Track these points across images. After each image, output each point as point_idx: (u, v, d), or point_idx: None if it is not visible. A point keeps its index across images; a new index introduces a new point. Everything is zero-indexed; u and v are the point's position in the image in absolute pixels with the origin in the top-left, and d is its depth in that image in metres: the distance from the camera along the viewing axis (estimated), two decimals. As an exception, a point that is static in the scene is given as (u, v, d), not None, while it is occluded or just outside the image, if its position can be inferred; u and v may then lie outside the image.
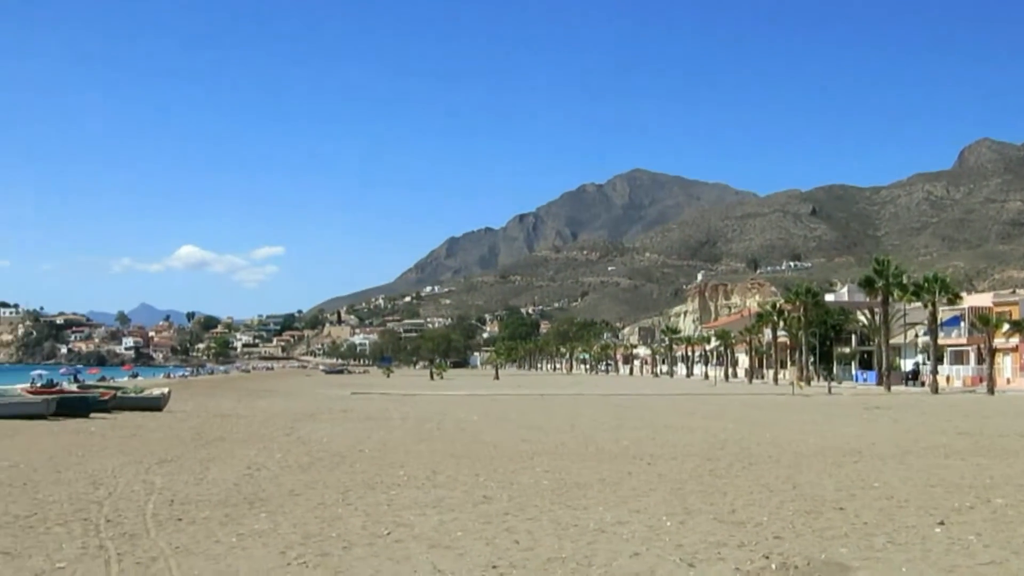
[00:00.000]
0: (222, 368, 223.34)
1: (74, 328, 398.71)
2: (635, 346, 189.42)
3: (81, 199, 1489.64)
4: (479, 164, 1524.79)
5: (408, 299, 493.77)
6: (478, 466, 21.55)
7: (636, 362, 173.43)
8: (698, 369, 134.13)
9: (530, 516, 14.64)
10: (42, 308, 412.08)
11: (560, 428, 34.15)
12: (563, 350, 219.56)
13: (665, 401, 57.42)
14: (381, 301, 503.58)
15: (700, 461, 22.69)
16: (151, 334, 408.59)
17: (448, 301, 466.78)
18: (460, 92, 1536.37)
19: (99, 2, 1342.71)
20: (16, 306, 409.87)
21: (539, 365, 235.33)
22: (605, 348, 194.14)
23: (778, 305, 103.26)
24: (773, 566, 11.17)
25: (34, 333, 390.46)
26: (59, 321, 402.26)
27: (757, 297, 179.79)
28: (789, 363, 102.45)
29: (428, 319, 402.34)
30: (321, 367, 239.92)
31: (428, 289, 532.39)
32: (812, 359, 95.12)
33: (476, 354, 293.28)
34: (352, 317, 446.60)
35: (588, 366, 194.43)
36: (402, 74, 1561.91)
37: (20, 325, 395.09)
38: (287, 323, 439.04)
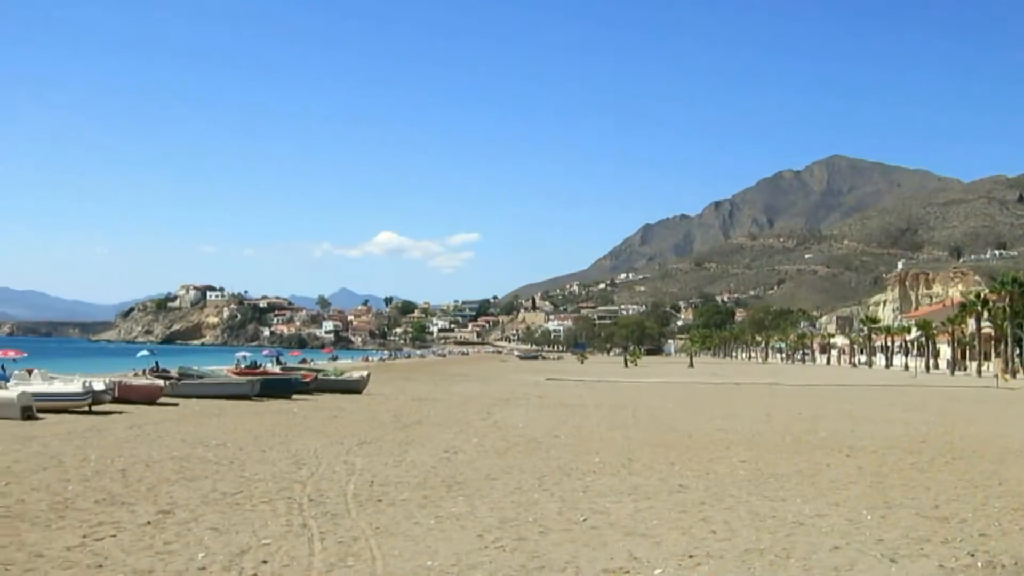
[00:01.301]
0: (418, 352, 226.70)
1: (276, 311, 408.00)
2: (832, 335, 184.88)
3: (282, 186, 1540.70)
4: (674, 151, 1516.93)
5: (602, 286, 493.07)
6: (673, 454, 21.42)
7: (833, 352, 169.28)
8: (897, 360, 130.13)
9: (727, 506, 14.50)
10: (246, 292, 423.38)
11: (756, 418, 33.63)
12: (758, 339, 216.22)
13: (863, 392, 55.94)
14: (575, 288, 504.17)
15: (901, 454, 22.07)
16: (350, 318, 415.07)
17: (642, 288, 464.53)
18: (656, 77, 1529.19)
19: None
20: (222, 289, 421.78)
21: (734, 354, 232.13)
22: (801, 337, 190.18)
23: (983, 295, 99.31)
24: (979, 564, 10.81)
25: (239, 316, 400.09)
26: (262, 304, 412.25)
27: (960, 286, 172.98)
28: (993, 355, 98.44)
29: (622, 306, 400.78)
30: (516, 352, 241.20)
31: (622, 276, 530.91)
32: (1018, 351, 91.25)
33: (670, 341, 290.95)
34: (547, 303, 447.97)
35: (784, 355, 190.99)
36: (597, 60, 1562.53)
37: (225, 308, 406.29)
38: (482, 309, 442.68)
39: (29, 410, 27.99)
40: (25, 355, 50.94)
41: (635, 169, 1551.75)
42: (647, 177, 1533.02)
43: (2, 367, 43.74)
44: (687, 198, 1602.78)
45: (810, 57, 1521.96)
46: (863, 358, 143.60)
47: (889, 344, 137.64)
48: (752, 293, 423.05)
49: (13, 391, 29.06)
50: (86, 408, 31.20)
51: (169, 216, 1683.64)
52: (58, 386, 32.70)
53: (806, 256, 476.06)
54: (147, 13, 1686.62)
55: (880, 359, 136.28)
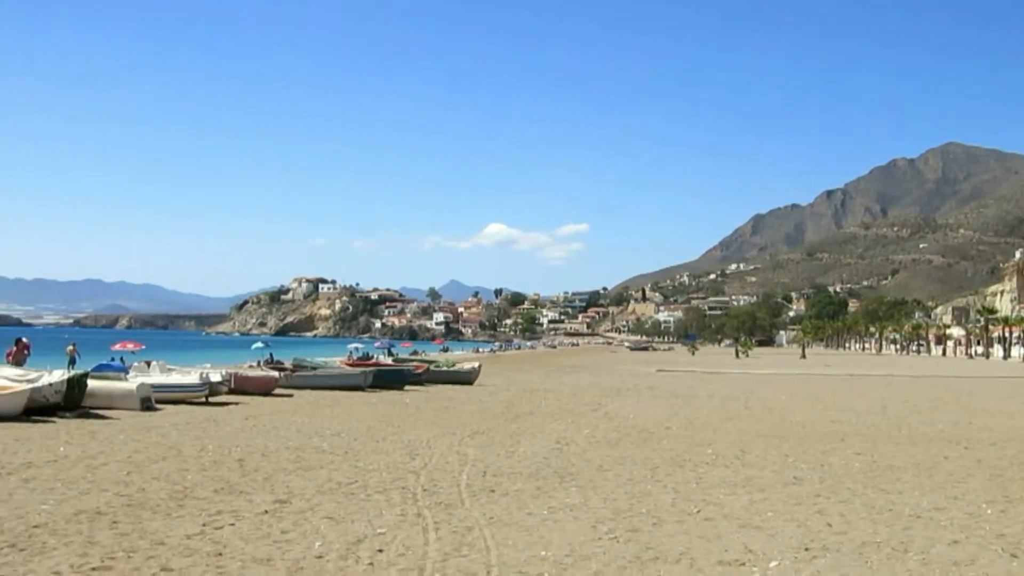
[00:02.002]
0: (528, 343, 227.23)
1: (387, 303, 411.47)
2: (948, 326, 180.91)
3: (392, 178, 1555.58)
4: (786, 140, 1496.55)
5: (713, 276, 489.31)
6: (787, 446, 21.19)
7: (949, 343, 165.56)
8: (1016, 351, 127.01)
9: (842, 499, 14.31)
10: (357, 284, 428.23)
11: (871, 409, 33.10)
12: (872, 330, 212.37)
13: (981, 384, 54.69)
14: (685, 279, 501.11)
15: (1021, 447, 21.56)
16: (460, 310, 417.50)
17: (753, 279, 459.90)
18: (768, 68, 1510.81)
19: None
20: (334, 281, 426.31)
21: (847, 345, 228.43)
22: (916, 328, 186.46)
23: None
24: (1105, 561, 10.52)
25: (350, 308, 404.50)
26: (373, 296, 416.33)
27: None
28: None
29: (733, 297, 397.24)
30: (626, 344, 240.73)
31: (733, 267, 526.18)
32: None
33: (782, 332, 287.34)
34: (657, 294, 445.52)
35: (898, 346, 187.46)
36: (711, 52, 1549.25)
37: (337, 300, 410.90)
38: (592, 300, 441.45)
39: (148, 401, 28.61)
40: (143, 347, 52.38)
41: (746, 159, 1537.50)
42: (758, 167, 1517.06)
43: (121, 359, 45.02)
44: (799, 188, 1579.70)
45: (923, 45, 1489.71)
46: (980, 349, 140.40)
47: (1007, 335, 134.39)
48: (865, 283, 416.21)
49: (133, 382, 29.72)
50: (203, 399, 31.90)
51: (281, 209, 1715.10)
52: (176, 377, 33.48)
53: (921, 245, 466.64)
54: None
55: (997, 350, 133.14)
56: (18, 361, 39.01)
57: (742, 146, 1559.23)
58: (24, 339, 42.71)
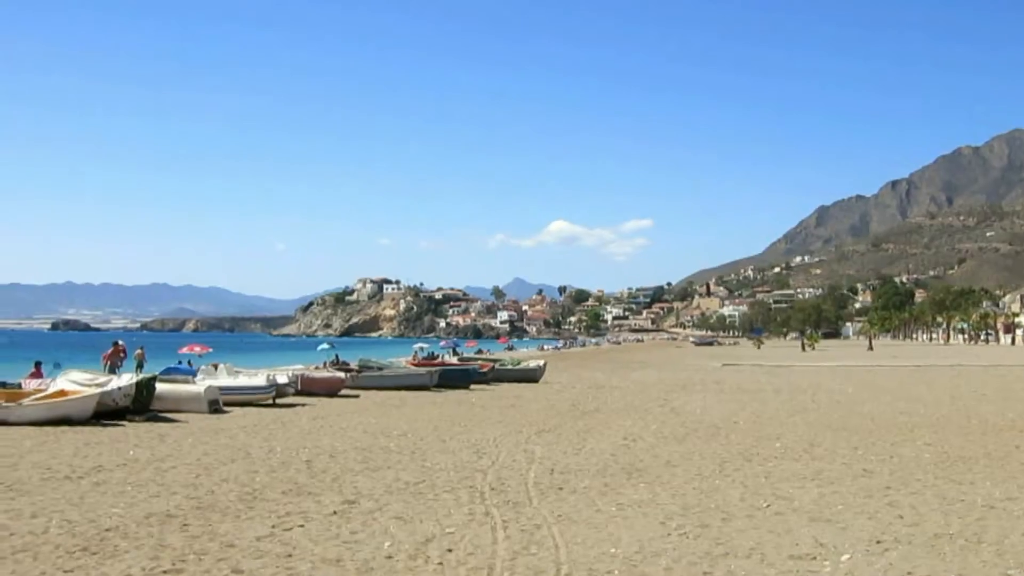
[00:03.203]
0: (593, 340, 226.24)
1: (452, 302, 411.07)
2: (1017, 315, 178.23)
3: (457, 178, 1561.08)
4: (850, 131, 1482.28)
5: (777, 270, 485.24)
6: (855, 439, 20.97)
7: (1018, 332, 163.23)
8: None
9: (913, 490, 14.13)
10: (422, 283, 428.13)
11: (939, 400, 32.69)
12: (939, 320, 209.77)
13: (1053, 372, 53.81)
14: (750, 272, 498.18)
15: (1096, 436, 21.19)
16: (524, 307, 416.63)
17: (818, 271, 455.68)
18: (831, 59, 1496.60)
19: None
20: (398, 282, 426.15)
21: (914, 335, 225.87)
22: (985, 317, 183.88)
23: None
24: None
25: (415, 308, 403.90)
26: (437, 296, 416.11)
27: None
28: None
29: (798, 290, 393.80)
30: (691, 339, 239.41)
31: (798, 259, 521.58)
32: None
33: (848, 325, 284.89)
34: (721, 289, 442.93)
35: (966, 336, 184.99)
36: (769, 40, 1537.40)
37: (402, 300, 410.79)
38: (656, 295, 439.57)
39: (216, 403, 28.82)
40: (211, 350, 52.82)
41: (810, 150, 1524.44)
42: (822, 158, 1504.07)
43: (189, 362, 45.49)
44: (863, 178, 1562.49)
45: (987, 32, 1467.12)
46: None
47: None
48: (932, 273, 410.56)
49: (200, 385, 29.95)
50: (271, 401, 32.09)
51: (346, 210, 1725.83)
52: (243, 380, 33.63)
53: (988, 234, 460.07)
54: None
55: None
56: (114, 364, 39.51)
57: (806, 138, 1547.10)
58: (120, 342, 43.10)
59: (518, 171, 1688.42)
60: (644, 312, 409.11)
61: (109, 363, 39.46)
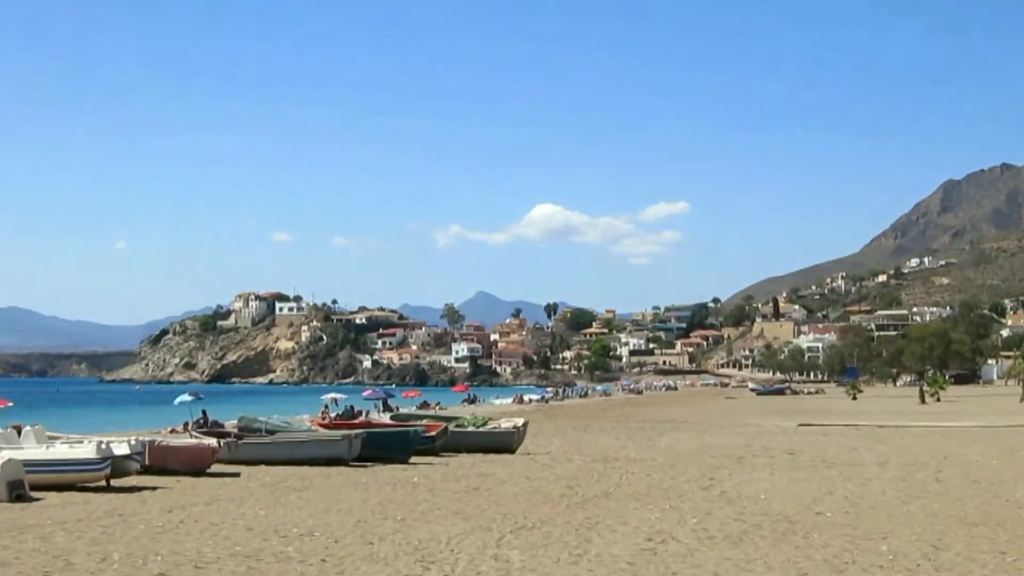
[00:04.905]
0: (599, 387, 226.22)
1: (382, 329, 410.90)
2: None
3: (387, 141, 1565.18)
4: (988, 81, 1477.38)
5: (882, 278, 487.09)
6: (1004, 537, 21.14)
7: None
8: None
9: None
10: (335, 301, 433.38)
11: None
12: None
13: None
14: (840, 282, 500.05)
15: None
16: (494, 336, 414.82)
17: (945, 280, 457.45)
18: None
19: None
20: (299, 299, 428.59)
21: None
22: None
23: None
24: None
25: (324, 338, 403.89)
26: (360, 320, 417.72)
27: None
28: None
29: (914, 308, 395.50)
30: (750, 385, 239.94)
31: (913, 262, 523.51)
32: None
33: (990, 362, 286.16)
34: (796, 307, 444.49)
35: None
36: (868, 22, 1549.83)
37: (304, 326, 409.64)
38: (697, 318, 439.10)
39: (19, 487, 28.40)
40: (10, 404, 52.63)
41: (933, 105, 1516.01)
42: (952, 115, 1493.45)
43: (-28, 424, 45.16)
44: (1012, 141, 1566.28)
45: None
46: None
47: None
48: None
49: (-7, 459, 29.66)
50: (104, 482, 31.93)
51: (223, 188, 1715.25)
52: (61, 450, 33.31)
53: None
54: None
55: None
56: None
57: (925, 87, 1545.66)
58: None
59: (484, 131, 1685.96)
60: (678, 344, 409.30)
61: None
